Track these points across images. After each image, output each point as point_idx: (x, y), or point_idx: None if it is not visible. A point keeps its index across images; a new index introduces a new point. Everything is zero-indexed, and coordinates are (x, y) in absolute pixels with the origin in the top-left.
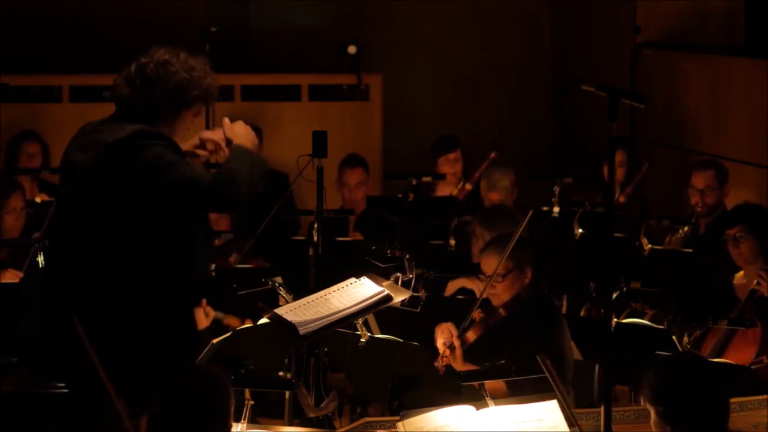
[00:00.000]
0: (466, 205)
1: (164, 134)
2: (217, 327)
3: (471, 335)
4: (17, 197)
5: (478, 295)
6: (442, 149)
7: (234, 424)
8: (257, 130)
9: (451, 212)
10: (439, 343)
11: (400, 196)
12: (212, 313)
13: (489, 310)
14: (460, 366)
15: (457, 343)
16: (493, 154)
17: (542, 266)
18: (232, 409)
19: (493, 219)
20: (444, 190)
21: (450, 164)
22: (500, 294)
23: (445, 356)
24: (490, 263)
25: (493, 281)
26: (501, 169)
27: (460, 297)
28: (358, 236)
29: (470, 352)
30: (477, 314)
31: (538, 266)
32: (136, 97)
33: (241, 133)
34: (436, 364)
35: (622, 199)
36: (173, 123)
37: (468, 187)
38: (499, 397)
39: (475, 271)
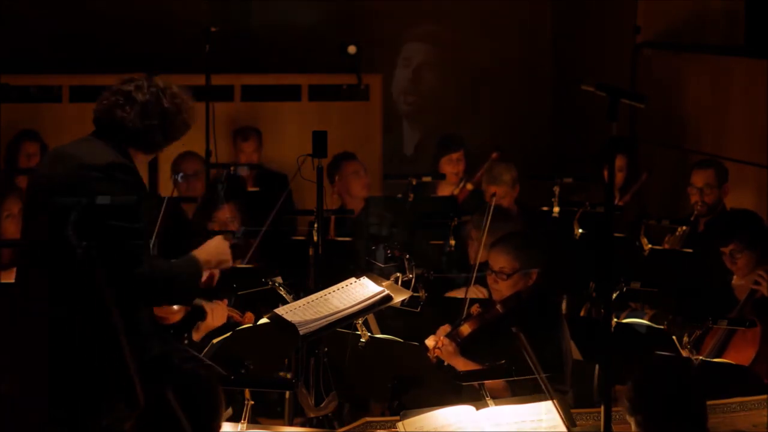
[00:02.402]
0: (466, 205)
1: (137, 172)
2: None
3: (465, 329)
4: (14, 200)
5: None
6: (445, 148)
7: (234, 424)
8: (257, 132)
9: (451, 212)
10: (430, 340)
11: (400, 196)
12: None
13: (487, 306)
14: (452, 361)
15: (442, 341)
16: (494, 155)
17: (543, 266)
18: (222, 409)
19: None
20: (445, 189)
21: (453, 164)
22: (502, 290)
23: (437, 347)
24: (497, 259)
25: (497, 278)
26: (504, 163)
27: (459, 297)
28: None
29: (463, 346)
30: (475, 308)
31: (545, 268)
32: (132, 116)
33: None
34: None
35: (620, 204)
36: (147, 156)
37: (469, 186)
38: (500, 397)
39: (473, 271)
